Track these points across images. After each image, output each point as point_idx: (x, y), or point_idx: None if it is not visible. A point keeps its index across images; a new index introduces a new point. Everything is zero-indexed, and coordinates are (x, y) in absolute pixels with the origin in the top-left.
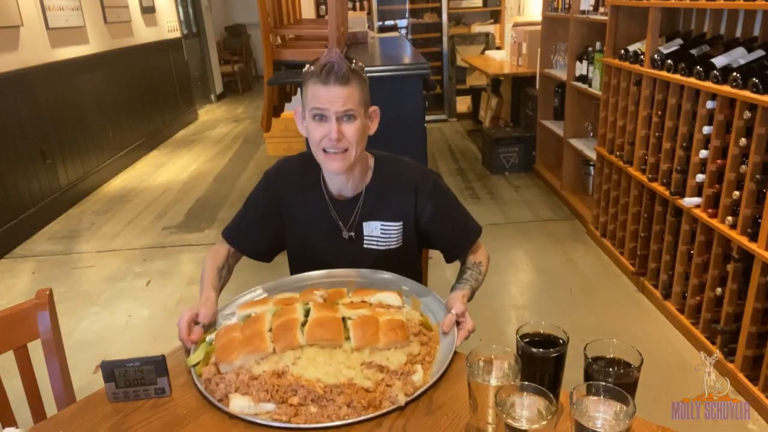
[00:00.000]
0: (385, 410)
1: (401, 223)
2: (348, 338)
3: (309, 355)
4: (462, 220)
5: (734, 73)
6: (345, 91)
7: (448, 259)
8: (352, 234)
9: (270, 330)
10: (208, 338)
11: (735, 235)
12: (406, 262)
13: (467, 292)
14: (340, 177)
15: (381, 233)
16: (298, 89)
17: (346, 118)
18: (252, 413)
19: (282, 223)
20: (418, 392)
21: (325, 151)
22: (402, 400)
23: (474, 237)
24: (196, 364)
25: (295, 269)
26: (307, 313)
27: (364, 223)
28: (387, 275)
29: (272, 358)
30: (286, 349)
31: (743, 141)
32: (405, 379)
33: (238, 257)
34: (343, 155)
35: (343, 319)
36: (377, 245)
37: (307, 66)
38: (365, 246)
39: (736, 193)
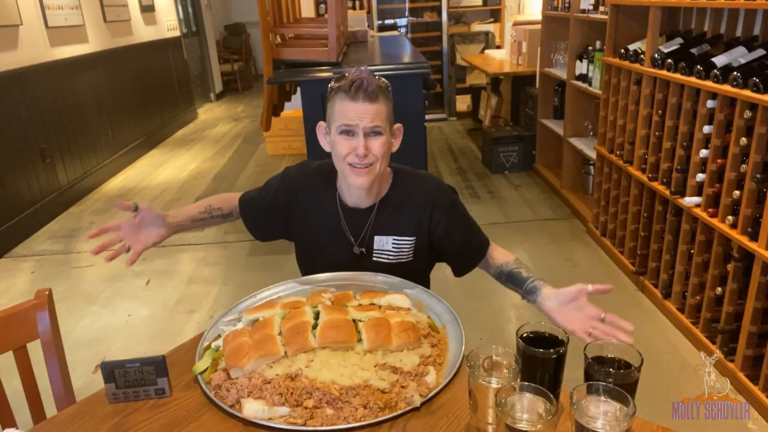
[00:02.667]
0: (401, 411)
1: (414, 238)
2: (360, 340)
3: (322, 357)
4: (474, 237)
5: (735, 73)
6: (373, 108)
7: (457, 274)
8: (363, 249)
9: (280, 333)
10: (214, 345)
11: (735, 235)
12: (413, 274)
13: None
14: (360, 191)
15: (393, 247)
16: (298, 88)
17: (372, 134)
18: (266, 417)
19: (286, 220)
20: (433, 393)
21: (350, 165)
22: (417, 401)
23: (483, 252)
24: (203, 372)
25: (304, 272)
26: (316, 316)
27: (376, 237)
28: (389, 278)
29: (284, 362)
30: (298, 352)
31: (744, 140)
32: (419, 380)
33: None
34: (368, 170)
35: (354, 321)
36: (387, 259)
37: (333, 81)
38: (374, 259)
39: (737, 192)
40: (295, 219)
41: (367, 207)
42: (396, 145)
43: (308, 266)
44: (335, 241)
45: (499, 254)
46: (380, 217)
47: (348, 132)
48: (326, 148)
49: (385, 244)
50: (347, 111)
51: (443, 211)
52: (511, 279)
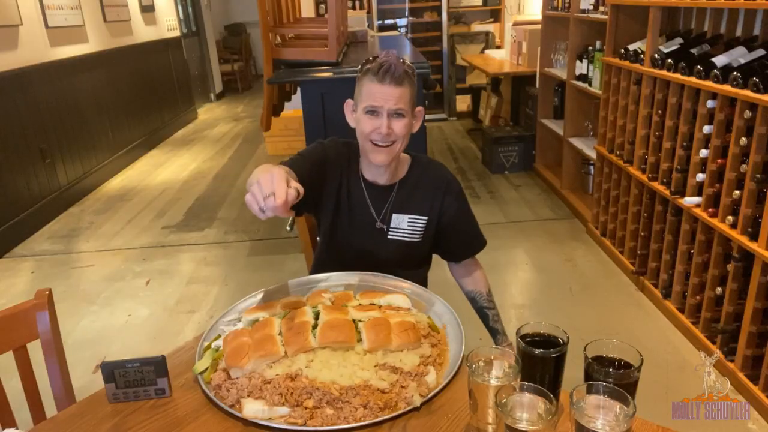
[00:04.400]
0: (401, 411)
1: (427, 218)
2: (360, 340)
3: (322, 357)
4: (476, 229)
5: (735, 73)
6: (398, 91)
7: (450, 259)
8: (384, 226)
9: (280, 333)
10: (214, 345)
11: (735, 235)
12: (419, 257)
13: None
14: (378, 167)
15: (408, 226)
16: (298, 88)
17: (396, 116)
18: (266, 417)
19: (318, 188)
20: (433, 393)
21: (372, 142)
22: (417, 401)
23: (480, 247)
24: (203, 372)
25: (325, 249)
26: (316, 316)
27: (394, 215)
28: (389, 278)
29: (284, 362)
30: (298, 353)
31: (743, 140)
32: (419, 380)
33: None
34: (389, 149)
35: (354, 321)
36: (402, 237)
37: (363, 62)
38: (389, 237)
39: (737, 192)
40: (326, 188)
41: (386, 185)
42: (416, 126)
43: (330, 237)
44: (359, 215)
45: (477, 277)
46: (400, 196)
47: (373, 112)
48: (351, 123)
49: (401, 223)
50: (374, 92)
51: (454, 196)
52: (480, 315)
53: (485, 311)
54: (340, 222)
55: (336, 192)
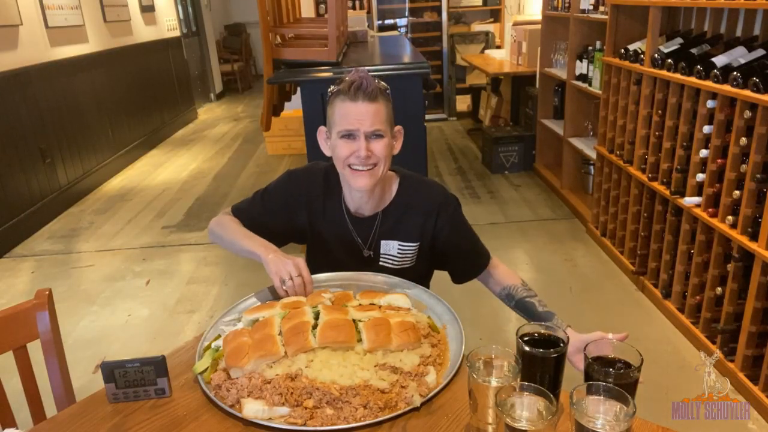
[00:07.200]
0: (401, 411)
1: (418, 243)
2: (360, 340)
3: (322, 357)
4: (475, 247)
5: (735, 73)
6: (373, 108)
7: (456, 281)
8: (371, 253)
9: (280, 333)
10: (214, 345)
11: (735, 235)
12: (415, 277)
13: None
14: (361, 194)
15: (398, 252)
16: (298, 88)
17: (374, 137)
18: (266, 418)
19: (292, 223)
20: (433, 393)
21: (350, 167)
22: (417, 401)
23: (484, 264)
24: (203, 372)
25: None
26: (316, 316)
27: (382, 242)
28: (389, 278)
29: (284, 362)
30: (298, 353)
31: (743, 140)
32: (419, 380)
33: None
34: (371, 172)
35: (354, 321)
36: (392, 264)
37: (332, 85)
38: (381, 263)
39: (737, 192)
40: (309, 221)
41: (370, 215)
42: (397, 147)
43: (318, 264)
44: (345, 245)
45: (504, 273)
46: (386, 223)
47: (349, 135)
48: (327, 152)
49: (390, 249)
50: (348, 113)
51: (446, 219)
52: (522, 308)
53: (526, 301)
54: (324, 252)
55: (316, 222)
